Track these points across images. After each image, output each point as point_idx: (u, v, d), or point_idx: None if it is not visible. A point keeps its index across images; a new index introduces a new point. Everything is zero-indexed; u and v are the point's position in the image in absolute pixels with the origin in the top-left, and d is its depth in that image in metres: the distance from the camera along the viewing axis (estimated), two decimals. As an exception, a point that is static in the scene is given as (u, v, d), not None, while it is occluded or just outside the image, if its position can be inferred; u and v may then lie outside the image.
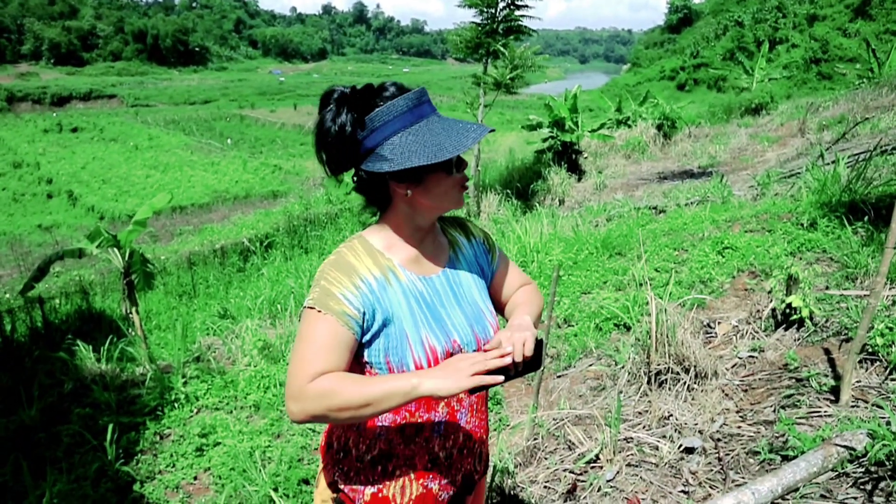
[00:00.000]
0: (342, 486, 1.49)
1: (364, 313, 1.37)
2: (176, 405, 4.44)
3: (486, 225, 9.60)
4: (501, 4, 12.84)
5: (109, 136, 42.87)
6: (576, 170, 14.34)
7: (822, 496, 2.16)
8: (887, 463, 2.15)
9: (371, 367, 1.42)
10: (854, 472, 2.23)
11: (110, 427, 3.78)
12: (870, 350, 2.84)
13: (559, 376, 4.00)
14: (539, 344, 1.36)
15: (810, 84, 39.30)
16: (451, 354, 1.41)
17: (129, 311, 6.73)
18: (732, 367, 3.16)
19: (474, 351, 1.44)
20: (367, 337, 1.40)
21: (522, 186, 13.45)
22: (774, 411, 2.69)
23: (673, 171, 12.98)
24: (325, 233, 14.59)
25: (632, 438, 2.79)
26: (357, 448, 1.46)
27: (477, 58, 13.18)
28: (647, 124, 16.65)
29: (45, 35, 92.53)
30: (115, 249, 6.36)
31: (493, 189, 12.79)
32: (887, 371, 2.74)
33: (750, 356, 3.23)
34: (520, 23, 12.84)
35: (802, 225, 5.27)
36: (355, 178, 1.45)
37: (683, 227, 6.40)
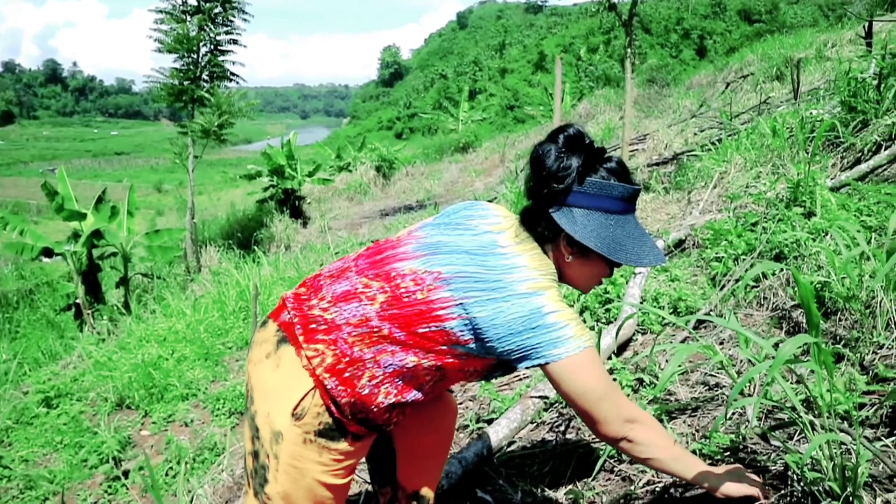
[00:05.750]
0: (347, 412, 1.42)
1: None
2: None
3: (205, 278, 9.02)
4: (203, 50, 12.41)
5: None
6: (300, 216, 14.29)
7: (524, 448, 2.22)
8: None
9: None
10: (550, 420, 2.33)
11: None
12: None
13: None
14: None
15: (508, 127, 44.26)
16: None
17: None
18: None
19: None
20: None
21: (245, 237, 12.99)
22: (480, 385, 2.75)
23: (394, 208, 13.53)
24: (17, 314, 12.51)
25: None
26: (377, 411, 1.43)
27: (181, 106, 12.52)
28: (366, 167, 17.23)
29: None
30: None
31: (213, 243, 12.15)
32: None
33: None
34: (224, 68, 12.50)
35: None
36: (533, 204, 1.46)
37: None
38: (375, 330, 1.37)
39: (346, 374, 1.37)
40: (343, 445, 1.42)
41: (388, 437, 1.72)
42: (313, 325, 1.40)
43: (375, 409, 1.40)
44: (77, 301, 8.93)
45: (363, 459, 1.61)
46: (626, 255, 1.40)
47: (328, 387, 1.36)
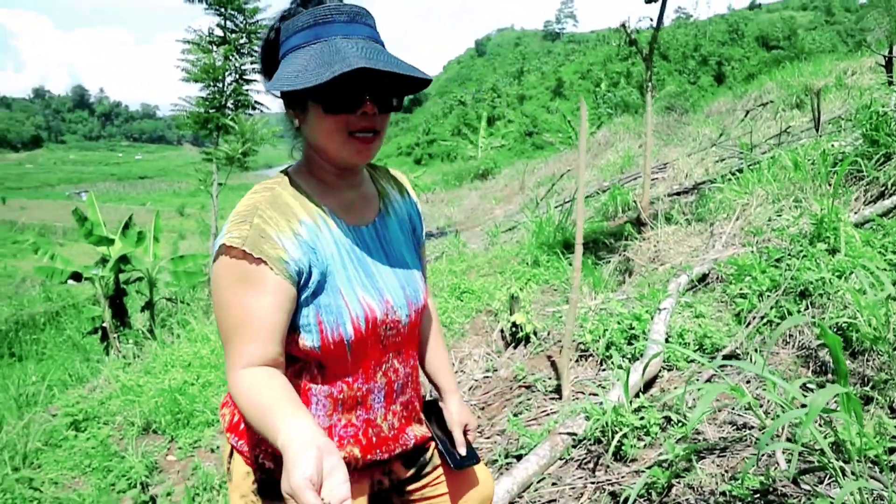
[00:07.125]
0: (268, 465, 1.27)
1: (300, 267, 1.15)
2: None
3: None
4: (229, 79, 12.68)
5: None
6: (322, 240, 14.39)
7: (553, 484, 2.24)
8: (603, 439, 2.30)
9: (300, 333, 1.19)
10: (578, 456, 2.36)
11: None
12: (583, 348, 3.10)
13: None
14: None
15: (527, 154, 44.51)
16: (388, 316, 1.26)
17: None
18: (469, 389, 3.24)
19: (407, 315, 1.31)
20: (302, 296, 1.18)
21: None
22: (508, 420, 2.78)
23: (414, 234, 13.58)
24: (43, 335, 12.70)
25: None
26: None
27: (206, 134, 12.79)
28: (387, 193, 17.37)
29: None
30: None
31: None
32: (599, 363, 3.00)
33: (485, 377, 3.35)
34: (248, 97, 12.77)
35: (528, 263, 5.77)
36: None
37: (423, 279, 6.65)
38: None
39: (242, 427, 1.30)
40: None
41: None
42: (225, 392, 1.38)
43: None
44: (104, 325, 9.06)
45: None
46: (284, 81, 1.09)
47: (233, 444, 1.31)
